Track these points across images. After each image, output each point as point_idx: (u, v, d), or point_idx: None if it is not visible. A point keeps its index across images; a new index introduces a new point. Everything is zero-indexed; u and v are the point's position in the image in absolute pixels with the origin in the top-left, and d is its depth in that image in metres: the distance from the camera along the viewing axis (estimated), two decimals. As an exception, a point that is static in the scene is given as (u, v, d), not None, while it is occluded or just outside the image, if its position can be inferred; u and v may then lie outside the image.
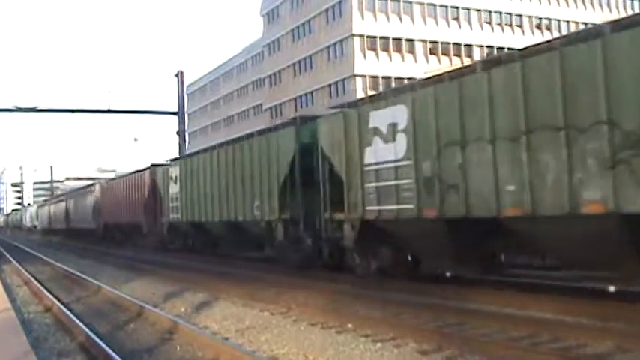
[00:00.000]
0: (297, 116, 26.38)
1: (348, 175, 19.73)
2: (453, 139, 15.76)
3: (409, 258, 19.44)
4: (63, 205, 76.36)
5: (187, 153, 39.47)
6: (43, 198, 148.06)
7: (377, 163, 18.36)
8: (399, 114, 17.57)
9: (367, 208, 18.84)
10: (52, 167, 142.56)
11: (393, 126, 17.71)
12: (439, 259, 17.88)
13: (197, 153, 35.09)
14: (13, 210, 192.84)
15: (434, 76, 17.94)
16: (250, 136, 27.92)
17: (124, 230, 49.55)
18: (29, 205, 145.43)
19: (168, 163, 39.34)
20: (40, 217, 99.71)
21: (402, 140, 17.40)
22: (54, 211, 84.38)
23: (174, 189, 35.39)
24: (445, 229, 16.44)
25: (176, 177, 35.06)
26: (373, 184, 18.51)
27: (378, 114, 18.48)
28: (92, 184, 63.97)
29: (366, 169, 18.80)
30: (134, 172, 48.33)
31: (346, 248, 20.63)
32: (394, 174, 17.67)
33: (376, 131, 18.40)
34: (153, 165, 43.66)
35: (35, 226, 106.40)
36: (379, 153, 18.26)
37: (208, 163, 30.95)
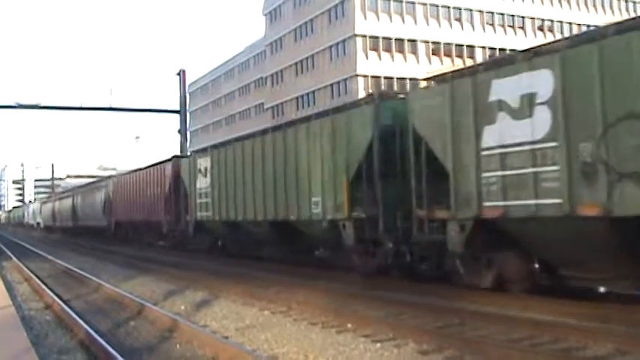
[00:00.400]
0: (375, 92, 22.47)
1: (455, 162, 16.11)
2: (632, 110, 12.29)
3: (536, 266, 15.79)
4: (69, 201, 72.21)
5: (222, 141, 33.33)
6: (43, 195, 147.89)
7: (502, 146, 14.87)
8: (539, 81, 14.09)
9: (485, 203, 15.35)
10: (53, 165, 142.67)
11: (530, 97, 14.24)
12: (590, 270, 14.47)
13: (236, 140, 29.85)
14: (14, 207, 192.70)
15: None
16: (307, 119, 23.96)
17: (140, 228, 45.79)
18: (30, 201, 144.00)
19: (196, 153, 35.95)
20: (44, 214, 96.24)
21: (543, 115, 13.94)
22: (59, 208, 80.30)
23: (203, 183, 31.40)
24: (609, 230, 13.14)
25: (206, 169, 31.01)
26: (496, 173, 15.07)
27: (504, 83, 14.95)
28: (103, 179, 60.47)
29: (485, 153, 15.29)
30: (152, 165, 43.68)
31: (450, 254, 16.89)
32: (530, 159, 14.17)
33: (501, 105, 14.96)
34: (176, 156, 40.08)
35: (38, 224, 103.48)
36: (506, 132, 14.78)
37: (249, 152, 26.85)
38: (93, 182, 68.06)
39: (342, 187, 20.45)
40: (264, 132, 27.29)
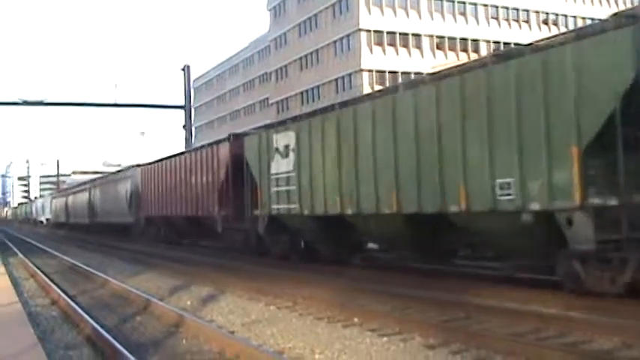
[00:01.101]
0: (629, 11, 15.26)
1: None
2: None
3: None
4: (85, 195, 64.97)
5: (315, 110, 26.70)
6: (49, 191, 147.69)
7: None
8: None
9: None
10: (58, 161, 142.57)
11: None
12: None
13: (341, 106, 22.56)
14: (19, 203, 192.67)
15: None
16: (482, 64, 16.93)
17: (180, 226, 39.29)
18: (37, 197, 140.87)
19: (268, 128, 27.33)
20: (54, 210, 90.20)
21: None
22: (72, 203, 73.37)
23: (282, 166, 24.20)
24: None
25: (287, 148, 23.87)
26: None
27: None
28: (128, 168, 53.34)
29: None
30: (200, 147, 37.64)
31: None
32: None
33: None
34: (234, 135, 32.21)
35: (47, 220, 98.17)
36: None
37: (366, 118, 19.78)
38: (114, 173, 61.14)
39: (568, 159, 13.69)
40: (393, 89, 21.94)
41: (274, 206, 24.80)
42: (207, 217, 32.75)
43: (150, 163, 45.29)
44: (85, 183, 71.96)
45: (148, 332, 13.30)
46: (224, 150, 31.10)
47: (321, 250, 24.67)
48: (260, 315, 14.65)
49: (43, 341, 11.69)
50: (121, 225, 50.87)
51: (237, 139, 30.34)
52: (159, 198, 40.70)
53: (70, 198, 75.69)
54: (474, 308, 13.72)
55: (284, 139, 24.17)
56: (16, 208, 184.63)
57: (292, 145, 23.54)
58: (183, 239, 40.83)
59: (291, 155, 23.56)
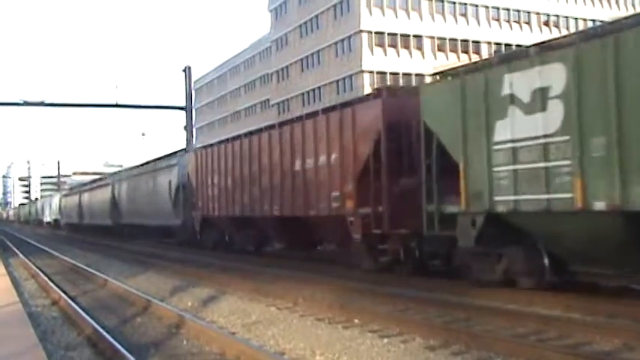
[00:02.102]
0: None
1: None
2: None
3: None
4: (107, 191, 55.70)
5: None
6: (49, 192, 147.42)
7: None
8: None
9: None
10: (59, 162, 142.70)
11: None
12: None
13: None
14: (21, 203, 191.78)
15: None
16: None
17: (266, 230, 29.74)
18: (42, 196, 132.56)
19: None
20: (65, 209, 78.47)
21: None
22: (89, 201, 63.31)
23: (527, 127, 14.57)
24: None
25: (544, 95, 14.21)
26: None
27: None
28: (172, 154, 44.39)
29: None
30: (311, 115, 25.09)
31: None
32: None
33: None
34: (390, 88, 23.63)
35: (55, 221, 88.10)
36: None
37: None
38: (145, 164, 49.62)
39: None
40: None
41: (502, 197, 15.27)
42: (327, 218, 23.03)
43: (209, 146, 35.76)
44: (104, 178, 63.91)
45: (148, 333, 13.29)
46: (369, 113, 20.65)
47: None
48: (261, 316, 14.65)
49: (44, 342, 11.69)
50: (161, 228, 42.41)
51: (395, 94, 21.03)
52: (226, 192, 31.02)
53: (86, 196, 65.86)
54: (474, 309, 13.73)
55: (533, 79, 14.49)
56: (18, 208, 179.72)
57: (556, 87, 13.95)
58: (266, 248, 32.06)
59: (553, 106, 14.02)
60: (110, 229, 54.99)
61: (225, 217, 31.63)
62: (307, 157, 23.84)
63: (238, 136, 31.15)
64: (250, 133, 29.93)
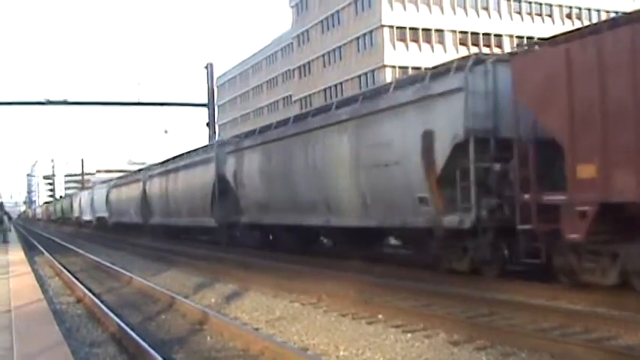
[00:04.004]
0: None
1: None
2: None
3: None
4: (181, 176, 39.98)
5: None
6: (73, 190, 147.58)
7: None
8: None
9: None
10: (82, 160, 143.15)
11: None
12: None
13: None
14: (48, 201, 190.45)
15: None
16: None
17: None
18: (90, 187, 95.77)
19: None
20: (112, 204, 62.42)
21: None
22: (152, 192, 46.74)
23: None
24: None
25: None
26: None
27: None
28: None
29: None
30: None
31: None
32: None
33: None
34: None
35: (98, 219, 70.35)
36: None
37: None
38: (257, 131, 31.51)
39: None
40: None
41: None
42: None
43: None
44: (179, 159, 43.34)
45: (172, 330, 13.34)
46: None
47: None
48: (284, 312, 14.66)
49: (69, 339, 11.71)
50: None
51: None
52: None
53: (151, 184, 47.72)
54: (498, 304, 13.67)
55: None
56: (48, 204, 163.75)
57: None
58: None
59: None
60: (186, 229, 43.70)
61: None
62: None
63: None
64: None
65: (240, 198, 30.59)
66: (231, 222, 31.85)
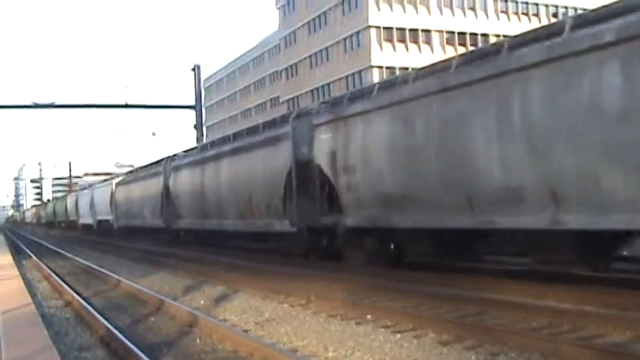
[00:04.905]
0: None
1: None
2: None
3: None
4: (226, 165, 31.25)
5: None
6: (61, 194, 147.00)
7: None
8: None
9: None
10: (70, 163, 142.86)
11: None
12: None
13: None
14: (35, 205, 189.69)
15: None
16: None
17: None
18: (90, 186, 77.21)
19: None
20: (119, 205, 54.20)
21: None
22: (179, 188, 38.14)
23: None
24: None
25: None
26: None
27: None
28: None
29: None
30: None
31: None
32: None
33: None
34: None
35: (100, 222, 62.32)
36: None
37: None
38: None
39: None
40: None
41: None
42: None
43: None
44: (212, 144, 36.94)
45: (161, 332, 13.32)
46: None
47: None
48: (273, 313, 14.65)
49: (57, 343, 11.68)
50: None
51: None
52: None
53: (175, 178, 39.46)
54: (487, 304, 13.69)
55: None
56: (38, 206, 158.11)
57: None
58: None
59: None
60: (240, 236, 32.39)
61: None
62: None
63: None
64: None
65: (341, 190, 21.32)
66: (321, 225, 22.84)
